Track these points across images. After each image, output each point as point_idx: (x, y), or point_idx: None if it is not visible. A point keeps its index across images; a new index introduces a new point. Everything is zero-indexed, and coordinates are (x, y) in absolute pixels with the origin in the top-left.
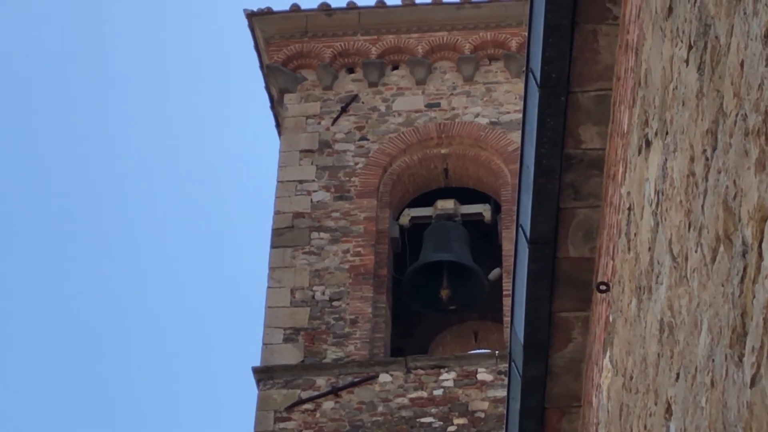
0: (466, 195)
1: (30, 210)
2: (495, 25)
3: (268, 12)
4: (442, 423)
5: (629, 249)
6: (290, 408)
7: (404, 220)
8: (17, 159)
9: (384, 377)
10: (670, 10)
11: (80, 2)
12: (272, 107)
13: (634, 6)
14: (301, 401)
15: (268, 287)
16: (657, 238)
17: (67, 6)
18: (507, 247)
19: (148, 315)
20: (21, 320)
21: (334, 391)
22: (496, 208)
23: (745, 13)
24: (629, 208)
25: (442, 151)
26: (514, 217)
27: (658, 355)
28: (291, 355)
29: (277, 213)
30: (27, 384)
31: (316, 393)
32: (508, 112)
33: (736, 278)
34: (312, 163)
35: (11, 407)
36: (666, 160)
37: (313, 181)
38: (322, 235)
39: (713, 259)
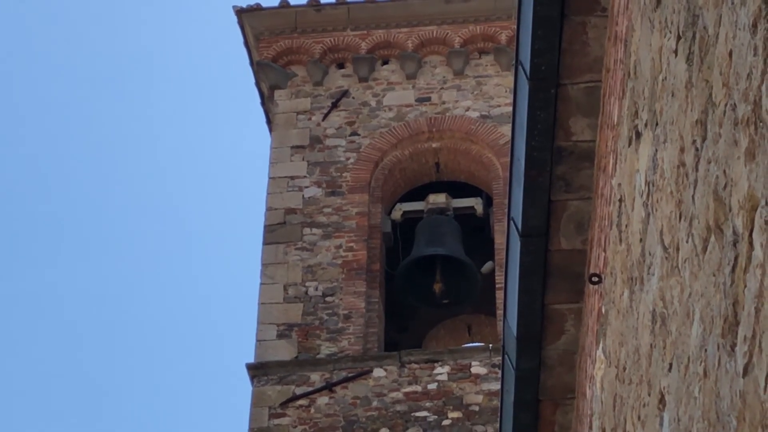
0: (458, 189)
1: (25, 210)
2: (484, 19)
3: (257, 8)
4: (436, 417)
5: (621, 240)
6: (285, 404)
7: (396, 214)
8: (13, 159)
9: (378, 372)
10: (659, 1)
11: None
12: (263, 104)
13: None
14: (296, 397)
15: (261, 283)
16: (648, 229)
17: (54, 6)
18: (499, 240)
19: (140, 312)
20: (16, 318)
21: (329, 387)
22: (488, 202)
23: (733, 3)
24: (620, 200)
25: (433, 146)
26: (506, 211)
27: (651, 345)
28: (285, 351)
29: (269, 209)
30: (19, 383)
31: (311, 389)
32: (499, 106)
33: (727, 268)
34: (303, 159)
35: (7, 407)
36: (656, 151)
37: (305, 176)
38: (315, 230)
39: (704, 249)
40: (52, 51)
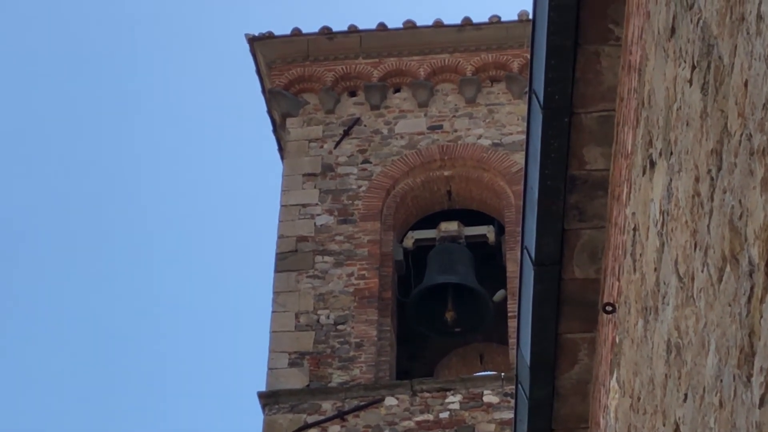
0: (470, 217)
1: (38, 238)
2: (496, 47)
3: (269, 36)
4: None
5: (635, 269)
6: None
7: (408, 242)
8: (25, 164)
9: (390, 400)
10: (673, 30)
11: (81, 28)
12: (274, 131)
13: (637, 27)
14: (307, 426)
15: (273, 312)
16: (663, 259)
17: (65, 31)
18: (511, 268)
19: (152, 340)
20: (42, 339)
21: (340, 416)
22: (500, 230)
23: (748, 33)
24: (634, 229)
25: (445, 173)
26: (519, 239)
27: (666, 375)
28: (296, 380)
29: (280, 237)
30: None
31: (322, 417)
32: (511, 134)
33: (743, 298)
34: (315, 187)
35: (11, 410)
36: (671, 180)
37: (317, 204)
38: (326, 258)
39: (720, 279)
40: (61, 77)
